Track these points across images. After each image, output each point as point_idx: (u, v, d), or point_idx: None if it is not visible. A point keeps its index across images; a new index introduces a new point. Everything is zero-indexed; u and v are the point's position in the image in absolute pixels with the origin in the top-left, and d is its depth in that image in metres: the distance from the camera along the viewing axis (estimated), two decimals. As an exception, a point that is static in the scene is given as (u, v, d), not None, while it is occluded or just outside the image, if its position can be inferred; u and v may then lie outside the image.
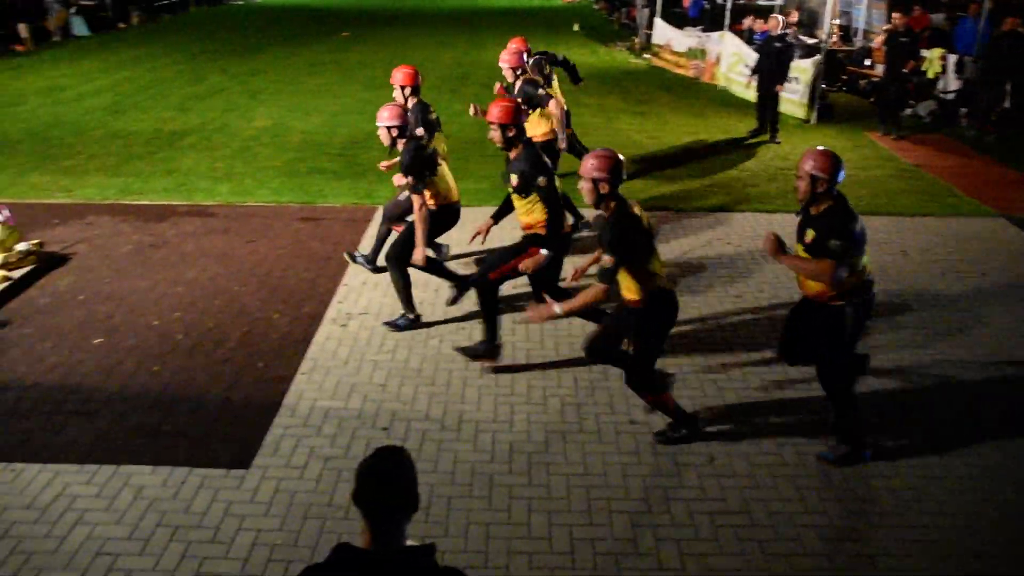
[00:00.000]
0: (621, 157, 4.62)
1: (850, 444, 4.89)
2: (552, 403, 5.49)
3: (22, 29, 20.67)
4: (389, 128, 6.18)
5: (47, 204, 9.27)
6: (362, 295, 7.00)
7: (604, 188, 4.55)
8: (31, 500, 4.56)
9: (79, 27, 23.74)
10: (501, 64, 8.24)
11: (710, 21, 19.52)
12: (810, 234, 4.60)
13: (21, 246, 7.41)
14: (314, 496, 4.60)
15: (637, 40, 20.94)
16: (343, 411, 5.38)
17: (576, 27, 23.91)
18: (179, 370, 5.87)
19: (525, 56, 8.50)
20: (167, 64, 18.90)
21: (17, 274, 7.17)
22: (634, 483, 4.71)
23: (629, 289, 4.74)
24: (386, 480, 2.31)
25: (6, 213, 7.50)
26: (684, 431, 5.09)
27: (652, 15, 19.94)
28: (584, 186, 4.59)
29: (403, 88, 7.17)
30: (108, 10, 25.88)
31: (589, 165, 4.56)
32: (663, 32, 18.64)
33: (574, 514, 4.48)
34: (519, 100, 7.72)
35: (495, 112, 5.53)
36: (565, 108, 8.59)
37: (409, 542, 2.37)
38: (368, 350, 6.12)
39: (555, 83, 9.11)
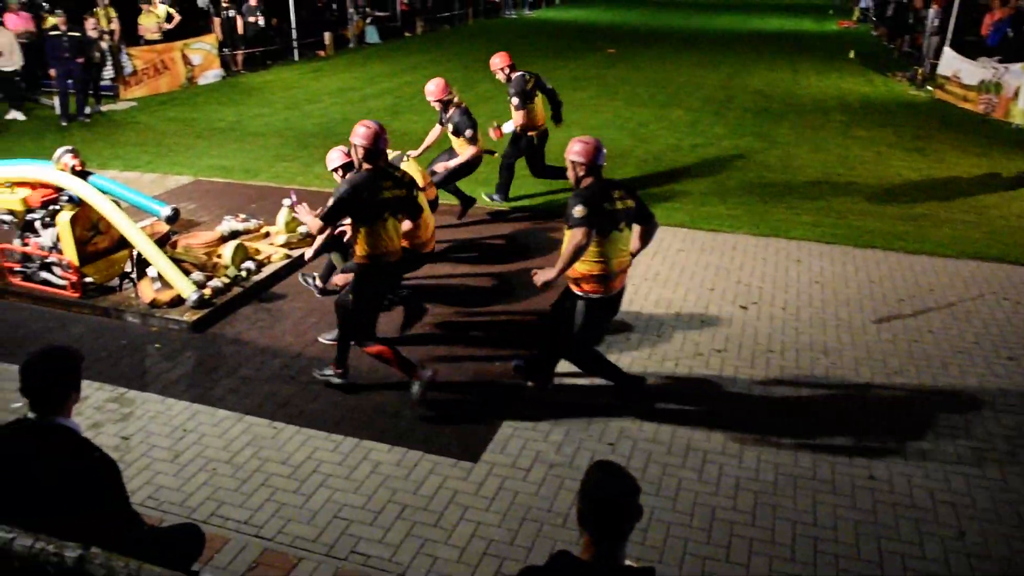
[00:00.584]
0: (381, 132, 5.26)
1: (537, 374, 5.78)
2: (786, 444, 5.23)
3: (326, 37, 23.10)
4: (335, 170, 6.59)
5: (327, 192, 10.20)
6: (601, 309, 7.06)
7: (359, 153, 5.32)
8: (286, 457, 5.05)
9: (371, 35, 26.00)
10: (427, 97, 8.70)
11: (1013, 51, 17.70)
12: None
13: (302, 228, 8.22)
14: (535, 499, 4.70)
15: (920, 70, 19.47)
16: (572, 420, 5.44)
17: (852, 54, 22.67)
18: (425, 357, 6.22)
19: (508, 71, 9.11)
20: (443, 71, 20.09)
21: (295, 253, 7.96)
22: (868, 545, 4.38)
23: (359, 245, 5.40)
24: (613, 500, 2.32)
25: (294, 198, 8.34)
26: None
27: (941, 43, 18.45)
28: (353, 151, 5.38)
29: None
30: (397, 20, 28.12)
31: (356, 133, 5.31)
32: (951, 62, 17.18)
33: (798, 564, 4.24)
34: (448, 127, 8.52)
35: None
36: (543, 127, 9.22)
37: (627, 562, 2.36)
38: (602, 364, 6.16)
39: (537, 101, 9.18)
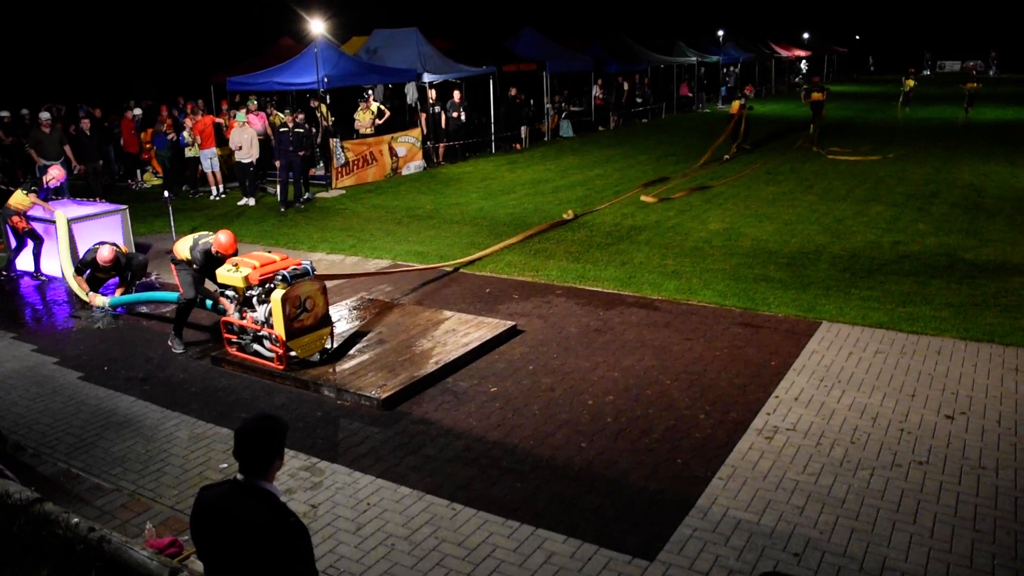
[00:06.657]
0: None
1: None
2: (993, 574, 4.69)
3: (523, 131, 24.22)
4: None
5: (516, 280, 10.50)
6: (792, 410, 6.73)
7: None
8: (463, 539, 5.10)
9: (565, 129, 26.95)
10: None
11: None
12: None
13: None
14: (712, 607, 4.47)
15: None
16: (754, 526, 5.18)
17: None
18: (604, 450, 6.17)
19: None
20: (634, 164, 20.43)
21: (477, 341, 8.19)
22: None
23: None
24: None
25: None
26: None
27: None
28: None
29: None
30: (591, 115, 28.96)
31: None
32: None
33: None
34: None
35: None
36: None
37: None
38: (791, 469, 5.84)
39: None
